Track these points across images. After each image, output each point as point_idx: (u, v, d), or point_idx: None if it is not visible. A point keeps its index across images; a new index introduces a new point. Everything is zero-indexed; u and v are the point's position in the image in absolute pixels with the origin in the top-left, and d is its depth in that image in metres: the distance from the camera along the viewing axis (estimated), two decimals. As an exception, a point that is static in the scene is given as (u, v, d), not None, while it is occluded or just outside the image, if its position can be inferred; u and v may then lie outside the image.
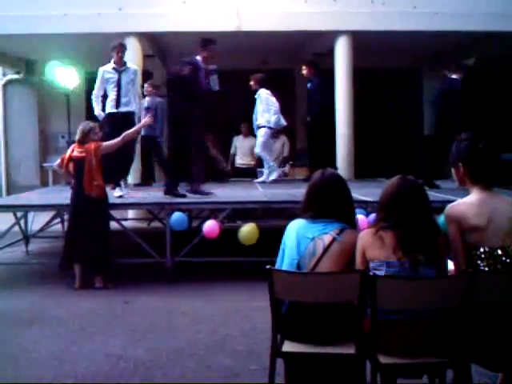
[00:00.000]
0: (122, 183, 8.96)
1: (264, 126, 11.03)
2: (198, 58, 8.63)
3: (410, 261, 3.44)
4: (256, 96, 11.11)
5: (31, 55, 15.06)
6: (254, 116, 11.22)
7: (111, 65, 8.87)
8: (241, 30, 11.76)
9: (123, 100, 8.83)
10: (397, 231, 3.49)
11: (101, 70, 8.92)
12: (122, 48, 8.93)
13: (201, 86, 8.53)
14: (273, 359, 3.60)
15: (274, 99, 11.08)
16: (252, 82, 11.21)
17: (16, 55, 15.08)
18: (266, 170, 11.36)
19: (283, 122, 11.30)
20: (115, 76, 8.83)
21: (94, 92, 8.94)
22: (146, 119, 8.34)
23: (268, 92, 11.09)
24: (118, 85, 8.79)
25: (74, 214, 7.56)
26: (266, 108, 10.97)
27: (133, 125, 8.52)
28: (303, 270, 3.67)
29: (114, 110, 8.84)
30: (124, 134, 7.71)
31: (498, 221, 3.56)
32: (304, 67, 11.32)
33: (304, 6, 11.85)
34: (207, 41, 8.74)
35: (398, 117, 16.43)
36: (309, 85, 11.36)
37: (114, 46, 8.87)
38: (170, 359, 5.03)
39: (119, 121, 8.70)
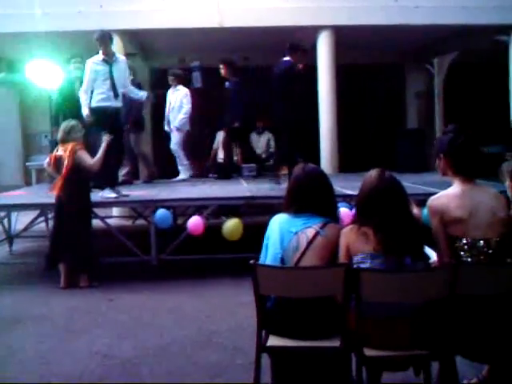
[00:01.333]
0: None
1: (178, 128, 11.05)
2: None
3: (394, 262, 3.46)
4: (171, 92, 11.02)
5: (12, 54, 14.95)
6: (169, 113, 11.11)
7: (100, 56, 8.39)
8: (222, 27, 11.74)
9: (119, 92, 8.47)
10: (379, 233, 3.48)
11: (89, 62, 8.44)
12: (109, 38, 8.50)
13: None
14: (258, 354, 3.60)
15: (188, 99, 11.07)
16: (171, 78, 11.17)
17: (-4, 54, 14.98)
18: (181, 167, 11.30)
19: (187, 127, 11.23)
20: (105, 68, 8.37)
21: (83, 87, 8.44)
22: (106, 137, 7.73)
23: (187, 91, 11.08)
24: (111, 77, 8.36)
25: (56, 213, 7.53)
26: (179, 108, 10.93)
27: (119, 121, 8.52)
28: (287, 264, 3.68)
29: (107, 104, 8.36)
30: (95, 159, 7.45)
31: (479, 212, 3.59)
32: (221, 66, 11.12)
33: (285, 2, 11.86)
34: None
35: (381, 111, 16.48)
36: (227, 84, 11.18)
37: (100, 36, 8.38)
38: (157, 356, 5.03)
39: (108, 116, 8.34)
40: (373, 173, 3.69)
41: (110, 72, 8.39)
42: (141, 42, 13.64)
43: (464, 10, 11.79)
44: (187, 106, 11.03)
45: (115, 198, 8.28)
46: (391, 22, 11.81)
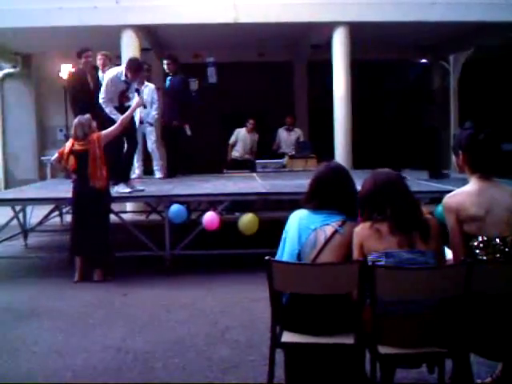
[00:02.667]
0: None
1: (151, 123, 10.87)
2: None
3: (408, 245, 3.45)
4: (143, 87, 10.67)
5: (28, 49, 15.04)
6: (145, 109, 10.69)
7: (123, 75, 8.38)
8: (238, 22, 11.73)
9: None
10: (390, 217, 3.50)
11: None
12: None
13: None
14: (272, 350, 3.60)
15: (159, 95, 10.94)
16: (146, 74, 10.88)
17: (13, 49, 15.06)
18: (157, 168, 11.06)
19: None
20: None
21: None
22: (138, 100, 8.17)
23: (154, 87, 10.92)
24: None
25: (76, 207, 7.56)
26: (150, 104, 10.70)
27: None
28: (304, 260, 3.67)
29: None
30: (121, 119, 7.70)
31: (496, 210, 3.56)
32: (166, 61, 10.89)
33: (300, -2, 11.84)
34: None
35: (396, 108, 16.40)
36: (168, 80, 10.90)
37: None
38: (170, 351, 5.03)
39: None
40: (371, 174, 3.74)
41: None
42: (156, 37, 13.67)
43: (479, 7, 11.75)
44: (158, 102, 10.83)
45: (129, 192, 8.30)
46: (406, 19, 11.77)
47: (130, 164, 9.22)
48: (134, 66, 8.38)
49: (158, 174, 10.95)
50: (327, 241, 3.65)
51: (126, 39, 11.94)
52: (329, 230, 3.67)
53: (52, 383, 4.45)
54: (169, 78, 10.90)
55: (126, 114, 7.92)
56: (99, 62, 9.88)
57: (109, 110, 8.35)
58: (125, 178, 8.50)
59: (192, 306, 6.35)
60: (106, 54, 9.92)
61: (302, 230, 3.72)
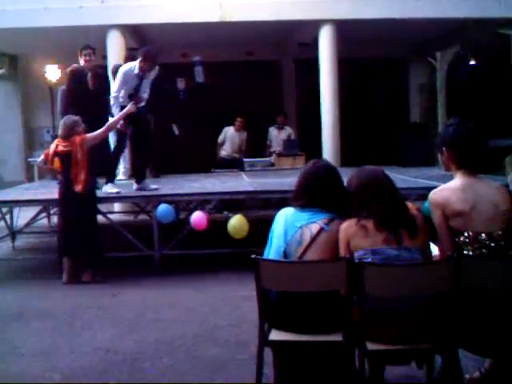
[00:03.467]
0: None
1: None
2: None
3: (394, 241, 3.45)
4: None
5: (14, 50, 14.97)
6: None
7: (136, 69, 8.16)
8: (224, 21, 11.72)
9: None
10: (376, 214, 3.50)
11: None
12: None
13: None
14: (261, 348, 3.60)
15: None
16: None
17: (-1, 50, 14.99)
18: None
19: None
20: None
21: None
22: (129, 106, 8.00)
23: None
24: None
25: (62, 209, 7.54)
26: None
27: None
28: (290, 258, 3.67)
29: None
30: (107, 124, 7.67)
31: (481, 206, 3.57)
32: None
33: (287, -4, 11.84)
34: None
35: (384, 105, 16.48)
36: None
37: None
38: (159, 350, 5.02)
39: None
40: (357, 171, 3.76)
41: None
42: (142, 37, 13.63)
43: (466, 3, 11.79)
44: None
45: (117, 193, 8.27)
46: (393, 16, 11.79)
47: (117, 164, 9.16)
48: (152, 56, 8.16)
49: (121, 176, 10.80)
50: (313, 238, 3.64)
51: (111, 39, 11.90)
52: (315, 227, 3.66)
53: (40, 385, 4.43)
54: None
55: (114, 119, 7.86)
56: (83, 59, 9.63)
57: (115, 108, 8.17)
58: (111, 178, 8.45)
59: (181, 306, 6.34)
60: (92, 48, 9.42)
61: (288, 227, 3.71)
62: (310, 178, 3.85)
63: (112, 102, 8.24)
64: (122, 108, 8.09)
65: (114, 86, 8.33)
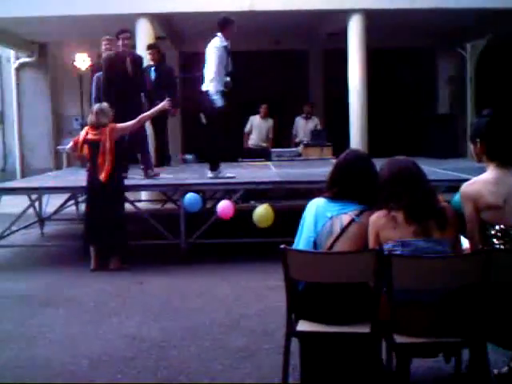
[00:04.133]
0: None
1: None
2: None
3: (423, 233, 3.42)
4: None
5: (44, 38, 15.07)
6: None
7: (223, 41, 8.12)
8: (252, 10, 11.68)
9: None
10: (405, 206, 3.47)
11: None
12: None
13: None
14: (287, 339, 3.60)
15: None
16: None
17: (28, 38, 15.12)
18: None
19: None
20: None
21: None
22: (165, 102, 8.05)
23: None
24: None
25: (89, 196, 7.60)
26: None
27: None
28: (320, 248, 3.66)
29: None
30: (140, 116, 7.69)
31: (514, 199, 3.53)
32: (149, 51, 10.61)
33: (316, -15, 11.76)
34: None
35: (412, 96, 16.35)
36: (154, 70, 10.50)
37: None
38: (185, 339, 5.04)
39: None
40: (387, 161, 3.71)
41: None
42: (171, 26, 13.65)
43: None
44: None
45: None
46: (422, 6, 11.67)
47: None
48: (224, 22, 8.20)
49: None
50: (343, 229, 3.62)
51: (140, 27, 11.92)
52: (345, 218, 3.64)
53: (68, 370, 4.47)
54: (153, 68, 10.53)
55: (148, 113, 7.88)
56: (104, 48, 9.58)
57: (215, 90, 8.02)
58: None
59: (207, 295, 6.36)
60: (111, 38, 9.44)
61: (319, 217, 3.70)
62: (343, 168, 3.83)
63: (214, 85, 8.04)
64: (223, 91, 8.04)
65: (211, 66, 8.05)
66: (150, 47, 10.82)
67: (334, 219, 3.66)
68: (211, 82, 8.03)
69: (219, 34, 8.12)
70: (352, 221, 3.63)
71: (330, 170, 3.90)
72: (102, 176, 7.23)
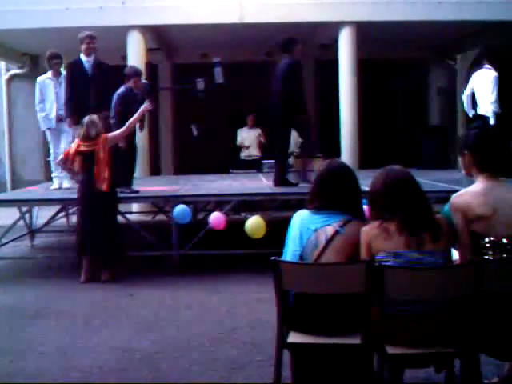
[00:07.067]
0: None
1: None
2: None
3: (416, 245, 3.42)
4: None
5: (35, 50, 15.04)
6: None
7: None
8: (243, 22, 11.72)
9: None
10: (399, 217, 3.46)
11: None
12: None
13: None
14: (279, 350, 3.58)
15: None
16: None
17: (20, 50, 15.07)
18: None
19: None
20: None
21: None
22: (146, 105, 7.96)
23: None
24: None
25: (83, 207, 7.57)
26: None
27: None
28: (306, 261, 3.65)
29: None
30: (128, 122, 7.67)
31: (503, 210, 3.54)
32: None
33: (307, -3, 11.81)
34: None
35: (403, 107, 16.40)
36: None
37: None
38: (176, 351, 5.02)
39: None
40: (382, 170, 3.68)
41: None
42: (162, 38, 13.67)
43: (488, 6, 11.68)
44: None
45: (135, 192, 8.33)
46: (414, 18, 11.73)
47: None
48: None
49: (65, 183, 9.46)
50: (328, 241, 3.62)
51: (132, 40, 11.94)
52: (330, 230, 3.63)
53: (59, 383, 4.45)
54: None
55: (134, 117, 7.88)
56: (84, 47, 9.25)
57: None
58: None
59: (198, 306, 6.34)
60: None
61: (303, 230, 3.70)
62: (322, 179, 3.83)
63: None
64: None
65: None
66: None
67: (318, 231, 3.65)
68: None
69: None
70: (336, 233, 3.62)
71: (312, 182, 3.90)
72: (104, 186, 7.21)
